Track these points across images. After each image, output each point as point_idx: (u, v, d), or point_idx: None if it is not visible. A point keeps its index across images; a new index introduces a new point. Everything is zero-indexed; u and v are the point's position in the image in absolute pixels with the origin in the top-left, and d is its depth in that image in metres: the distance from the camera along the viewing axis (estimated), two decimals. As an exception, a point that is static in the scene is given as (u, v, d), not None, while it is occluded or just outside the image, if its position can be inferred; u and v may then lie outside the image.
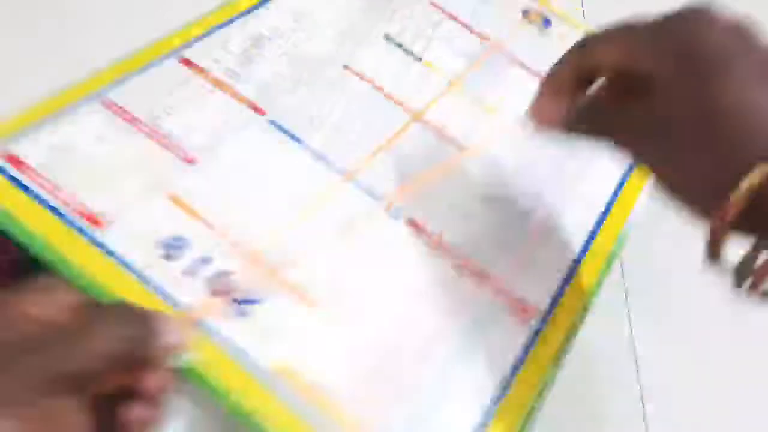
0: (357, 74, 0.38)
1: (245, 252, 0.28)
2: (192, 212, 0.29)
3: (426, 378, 0.28)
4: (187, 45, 0.36)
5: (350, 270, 0.30)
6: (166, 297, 0.26)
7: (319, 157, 0.33)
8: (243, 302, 0.27)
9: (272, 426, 0.24)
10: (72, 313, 0.23)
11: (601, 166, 0.40)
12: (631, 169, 0.40)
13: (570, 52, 0.30)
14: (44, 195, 0.27)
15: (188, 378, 0.25)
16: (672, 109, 0.26)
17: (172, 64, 0.35)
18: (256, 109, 0.34)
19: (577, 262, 0.35)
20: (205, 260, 0.28)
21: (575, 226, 0.36)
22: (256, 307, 0.27)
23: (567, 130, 0.30)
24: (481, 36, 0.44)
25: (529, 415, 0.28)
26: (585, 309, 0.33)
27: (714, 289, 0.26)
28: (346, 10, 0.42)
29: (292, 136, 0.34)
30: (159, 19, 0.36)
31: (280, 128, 0.34)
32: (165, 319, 0.24)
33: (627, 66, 0.27)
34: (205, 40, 0.36)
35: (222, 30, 0.37)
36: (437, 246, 0.32)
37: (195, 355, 0.25)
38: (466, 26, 0.44)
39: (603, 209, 0.38)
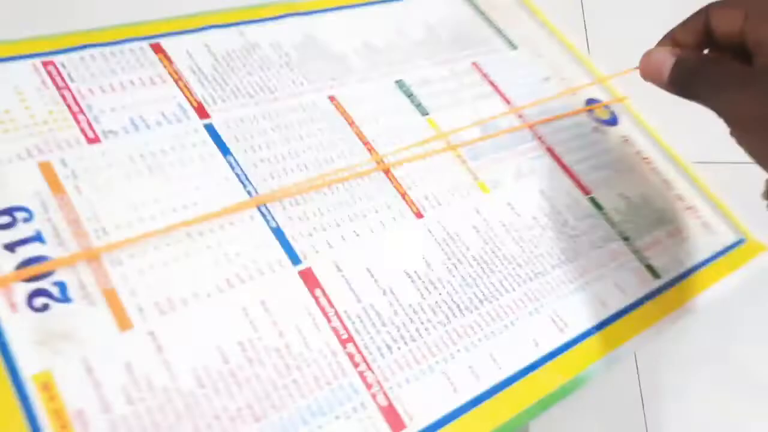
0: (338, 107, 0.35)
1: (86, 245, 0.25)
2: (56, 185, 0.26)
3: None
4: (167, 34, 0.34)
5: (197, 301, 0.25)
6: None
7: (239, 174, 0.30)
8: (46, 295, 0.23)
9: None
10: None
11: (590, 298, 0.32)
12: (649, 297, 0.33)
13: (696, 12, 0.29)
14: None
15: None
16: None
17: (140, 48, 0.33)
18: (200, 111, 0.31)
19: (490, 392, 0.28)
20: (38, 238, 0.25)
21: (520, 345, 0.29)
22: (59, 306, 0.23)
23: (668, 85, 0.29)
24: (513, 107, 0.39)
25: None
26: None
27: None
28: (369, 48, 0.38)
29: (223, 146, 0.30)
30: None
31: (215, 135, 0.31)
32: None
33: (742, 34, 0.27)
34: (190, 35, 0.35)
35: (214, 30, 0.35)
36: (326, 312, 0.27)
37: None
38: (504, 99, 0.39)
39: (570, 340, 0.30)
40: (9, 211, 0.25)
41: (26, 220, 0.25)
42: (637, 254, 0.35)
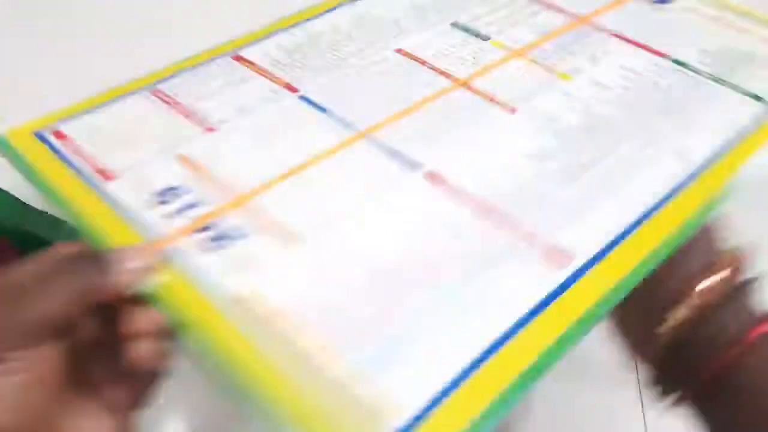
0: (407, 55, 0.37)
1: (235, 196, 0.28)
2: (197, 168, 0.30)
3: (412, 311, 0.24)
4: (244, 46, 0.38)
5: (345, 209, 0.28)
6: (149, 234, 0.26)
7: (339, 122, 0.32)
8: (221, 238, 0.26)
9: (225, 351, 0.23)
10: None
11: (708, 124, 0.33)
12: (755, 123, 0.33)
13: None
14: (68, 155, 0.30)
15: (152, 303, 0.24)
16: None
17: (226, 61, 0.37)
18: (289, 88, 0.35)
19: (645, 216, 0.28)
20: (194, 205, 0.28)
21: (652, 182, 0.30)
22: (234, 243, 0.26)
23: None
24: (568, 13, 0.41)
25: (532, 372, 0.22)
26: (640, 270, 0.26)
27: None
28: (416, 8, 0.41)
29: (318, 107, 0.33)
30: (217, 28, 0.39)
31: (309, 101, 0.34)
32: (121, 251, 0.24)
33: None
34: (262, 42, 0.39)
35: (281, 33, 0.39)
36: (456, 194, 0.28)
37: (159, 280, 0.24)
38: (556, 8, 0.41)
39: (696, 167, 0.30)
40: (167, 191, 0.28)
41: (184, 193, 0.28)
42: (736, 88, 0.35)
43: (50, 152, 0.31)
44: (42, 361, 0.22)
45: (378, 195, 0.28)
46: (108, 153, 0.30)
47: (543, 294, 0.24)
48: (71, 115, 0.33)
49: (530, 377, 0.22)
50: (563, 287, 0.25)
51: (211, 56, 0.37)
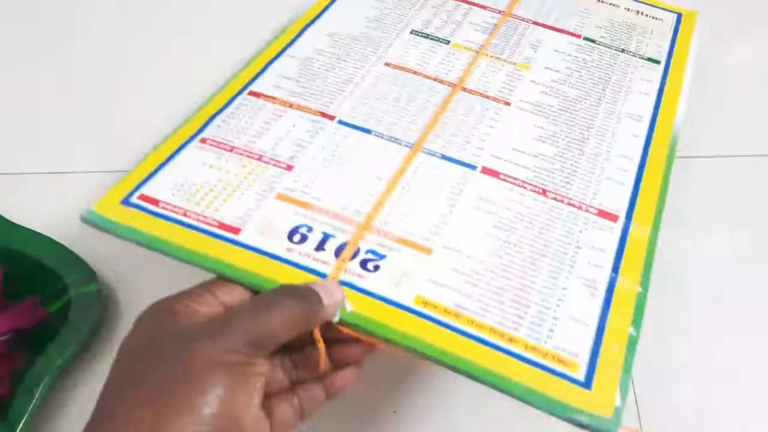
0: (397, 67, 0.43)
1: (355, 223, 0.33)
2: (301, 203, 0.34)
3: (540, 286, 0.32)
4: (251, 81, 0.41)
5: (446, 217, 0.34)
6: (310, 271, 0.30)
7: (389, 140, 0.38)
8: (369, 261, 0.31)
9: (432, 343, 0.28)
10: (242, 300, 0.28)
11: (636, 89, 0.44)
12: (663, 82, 0.44)
13: None
14: (182, 219, 0.32)
15: (354, 326, 0.29)
16: None
17: (244, 98, 0.40)
18: (326, 116, 0.39)
19: (641, 168, 0.38)
20: (327, 236, 0.32)
21: (629, 139, 0.40)
22: (381, 262, 0.31)
23: None
24: (491, 9, 0.49)
25: (640, 300, 0.32)
26: (660, 208, 0.36)
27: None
28: (371, 21, 0.47)
29: (362, 129, 0.38)
30: (225, 63, 0.42)
31: (350, 125, 0.39)
32: (322, 286, 0.28)
33: None
34: (263, 74, 0.42)
35: (275, 63, 0.42)
36: (514, 183, 0.36)
37: (349, 307, 0.29)
38: (479, 6, 0.49)
39: (649, 120, 0.41)
40: (295, 231, 0.32)
41: (309, 230, 0.32)
42: (636, 55, 0.47)
43: (151, 217, 0.32)
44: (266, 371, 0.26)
45: (459, 196, 0.35)
46: (210, 207, 0.33)
47: (614, 247, 0.34)
48: (143, 178, 0.34)
49: (641, 307, 0.32)
50: (623, 238, 0.34)
51: (229, 97, 0.40)
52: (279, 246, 0.31)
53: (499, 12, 0.49)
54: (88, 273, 0.40)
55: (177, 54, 0.55)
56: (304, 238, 0.32)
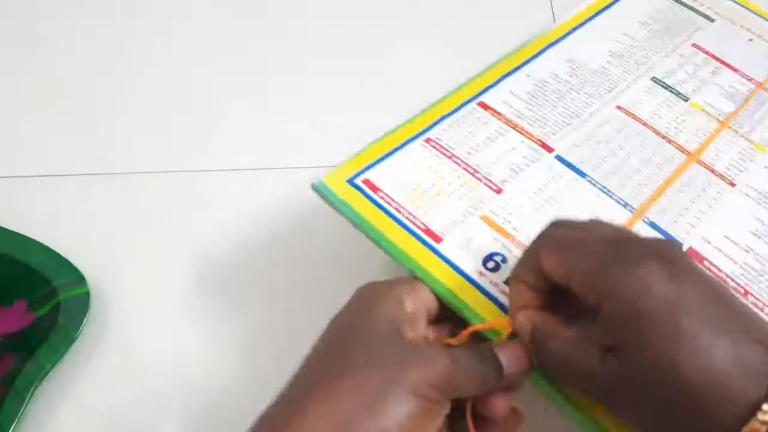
0: (628, 113, 0.42)
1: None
2: (501, 230, 0.35)
3: None
4: (483, 91, 0.42)
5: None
6: (495, 302, 0.32)
7: (602, 190, 0.38)
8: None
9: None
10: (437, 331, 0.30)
11: None
12: None
13: (532, 252, 0.29)
14: (393, 212, 0.35)
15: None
16: (635, 374, 0.25)
17: (473, 108, 0.41)
18: (545, 146, 0.40)
19: None
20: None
21: None
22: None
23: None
24: (747, 77, 0.46)
25: None
26: None
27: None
28: (613, 56, 0.46)
29: (577, 170, 0.39)
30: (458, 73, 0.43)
31: (566, 163, 0.39)
32: (512, 353, 0.29)
33: (572, 289, 0.27)
34: (496, 86, 0.43)
35: (509, 77, 0.43)
36: (717, 274, 0.35)
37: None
38: (731, 68, 0.47)
39: None
40: (490, 257, 0.34)
41: (504, 261, 0.34)
42: None
43: (368, 201, 0.35)
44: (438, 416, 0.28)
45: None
46: (421, 209, 0.35)
47: None
48: (369, 163, 0.37)
49: None
50: None
51: (459, 102, 0.41)
52: (473, 267, 0.33)
53: (750, 80, 0.46)
54: (76, 276, 0.40)
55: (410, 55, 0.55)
56: (497, 267, 0.33)
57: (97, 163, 0.47)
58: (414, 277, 0.32)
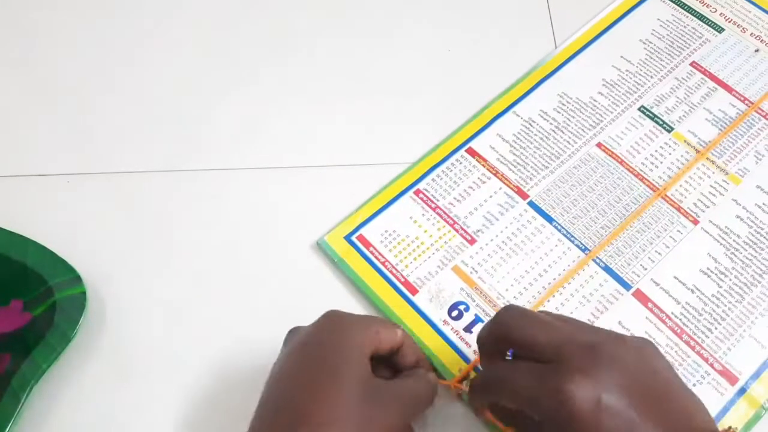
0: (606, 150, 0.47)
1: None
2: (468, 280, 0.42)
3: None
4: (472, 137, 0.48)
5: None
6: (455, 349, 0.40)
7: (565, 235, 0.44)
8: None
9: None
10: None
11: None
12: None
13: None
14: (380, 266, 0.43)
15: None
16: None
17: (461, 155, 0.47)
18: (521, 192, 0.46)
19: None
20: (477, 320, 0.41)
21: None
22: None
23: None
24: (741, 97, 0.48)
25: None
26: None
27: None
28: (605, 85, 0.49)
29: (546, 216, 0.44)
30: (449, 120, 0.49)
31: (537, 209, 0.45)
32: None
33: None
34: (485, 131, 0.48)
35: (498, 120, 0.49)
36: (658, 315, 0.41)
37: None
38: (727, 87, 0.49)
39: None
40: (455, 306, 0.41)
41: (466, 309, 0.41)
42: None
43: (360, 257, 0.43)
44: None
45: (602, 314, 0.41)
46: (402, 262, 0.43)
47: (717, 409, 0.38)
48: (364, 219, 0.45)
49: None
50: (731, 403, 0.38)
51: (449, 150, 0.47)
52: (439, 317, 0.41)
53: (744, 101, 0.48)
54: (72, 276, 0.40)
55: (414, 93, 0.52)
56: (459, 315, 0.41)
57: (94, 163, 0.48)
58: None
